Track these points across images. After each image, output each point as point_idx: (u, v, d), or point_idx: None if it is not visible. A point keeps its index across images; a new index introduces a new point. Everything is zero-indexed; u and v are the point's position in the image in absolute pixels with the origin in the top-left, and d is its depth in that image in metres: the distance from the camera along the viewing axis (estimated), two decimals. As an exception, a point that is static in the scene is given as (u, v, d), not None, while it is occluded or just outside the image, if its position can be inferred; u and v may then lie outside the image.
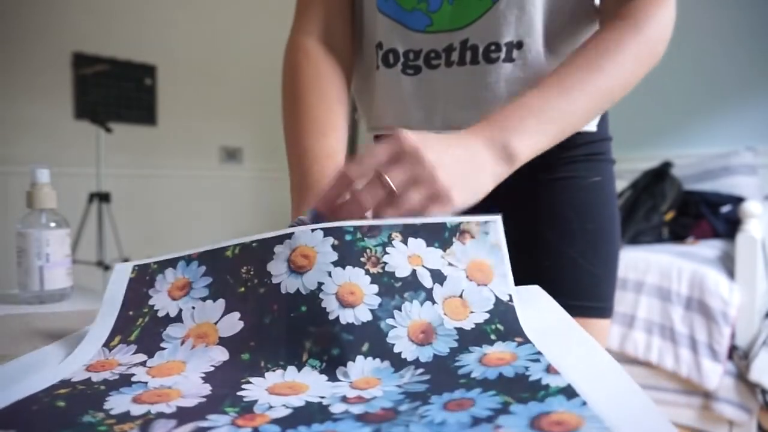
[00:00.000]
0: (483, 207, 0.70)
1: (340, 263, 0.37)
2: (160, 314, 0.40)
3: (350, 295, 0.36)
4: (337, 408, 0.29)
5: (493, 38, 0.59)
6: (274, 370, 0.34)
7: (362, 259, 0.38)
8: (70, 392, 0.32)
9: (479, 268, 0.40)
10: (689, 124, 2.73)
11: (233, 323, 0.38)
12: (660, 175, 2.30)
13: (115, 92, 3.06)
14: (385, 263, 0.38)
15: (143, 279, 0.43)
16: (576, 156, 0.64)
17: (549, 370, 0.30)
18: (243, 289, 0.39)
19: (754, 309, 1.74)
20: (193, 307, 0.40)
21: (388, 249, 0.39)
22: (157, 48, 3.22)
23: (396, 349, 0.34)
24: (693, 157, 2.58)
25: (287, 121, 0.61)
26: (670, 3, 0.55)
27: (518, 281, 0.42)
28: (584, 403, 0.25)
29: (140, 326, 0.40)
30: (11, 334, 0.44)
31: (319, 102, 0.60)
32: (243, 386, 0.33)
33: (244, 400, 0.31)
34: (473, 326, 0.36)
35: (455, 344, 0.35)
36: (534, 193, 0.66)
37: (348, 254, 0.38)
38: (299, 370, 0.34)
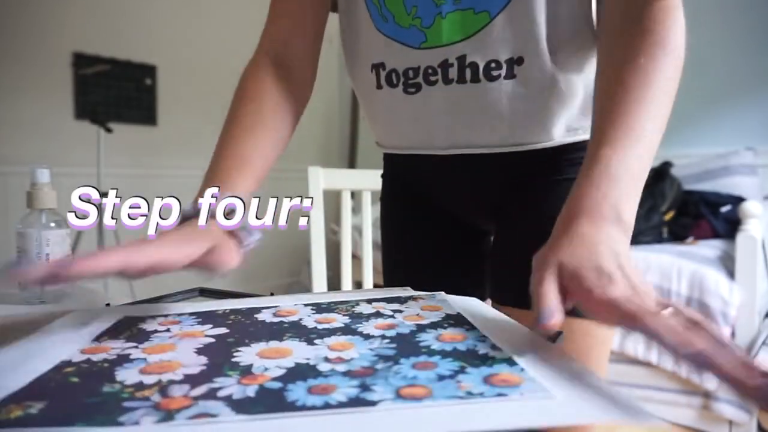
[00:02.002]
0: (493, 205, 0.70)
1: (318, 313, 0.48)
2: (149, 329, 0.44)
3: (326, 321, 0.45)
4: (323, 367, 0.34)
5: (493, 55, 0.58)
6: (257, 342, 0.40)
7: (336, 310, 0.49)
8: (77, 370, 0.34)
9: (431, 308, 0.49)
10: (689, 124, 2.73)
11: (220, 330, 0.43)
12: (660, 175, 2.30)
13: (115, 92, 3.06)
14: (353, 310, 0.49)
15: (132, 319, 0.47)
16: (582, 157, 0.64)
17: (494, 347, 0.37)
18: (230, 322, 0.46)
19: (754, 309, 1.74)
20: (181, 329, 0.44)
21: (355, 306, 0.50)
22: (157, 48, 3.22)
23: (365, 331, 0.42)
24: (693, 157, 2.58)
25: (225, 124, 0.63)
26: (680, 6, 0.52)
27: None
28: (523, 369, 0.33)
29: (129, 333, 0.43)
30: (11, 334, 0.44)
31: (252, 112, 0.62)
32: (234, 354, 0.37)
33: (241, 364, 0.35)
34: (429, 322, 0.44)
35: (415, 328, 0.43)
36: (542, 193, 0.66)
37: (325, 309, 0.49)
38: (280, 342, 0.40)
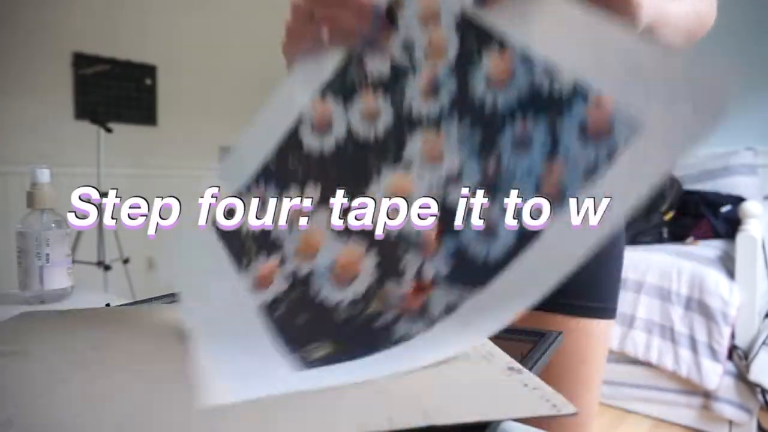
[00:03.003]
0: None
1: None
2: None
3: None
4: None
5: None
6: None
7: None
8: None
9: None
10: (689, 124, 2.72)
11: None
12: (660, 175, 2.30)
13: (115, 92, 3.06)
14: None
15: None
16: None
17: None
18: None
19: (754, 309, 1.74)
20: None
21: None
22: (157, 48, 3.22)
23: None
24: (693, 157, 2.57)
25: None
26: None
27: None
28: None
29: None
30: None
31: None
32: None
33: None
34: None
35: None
36: None
37: None
38: None
